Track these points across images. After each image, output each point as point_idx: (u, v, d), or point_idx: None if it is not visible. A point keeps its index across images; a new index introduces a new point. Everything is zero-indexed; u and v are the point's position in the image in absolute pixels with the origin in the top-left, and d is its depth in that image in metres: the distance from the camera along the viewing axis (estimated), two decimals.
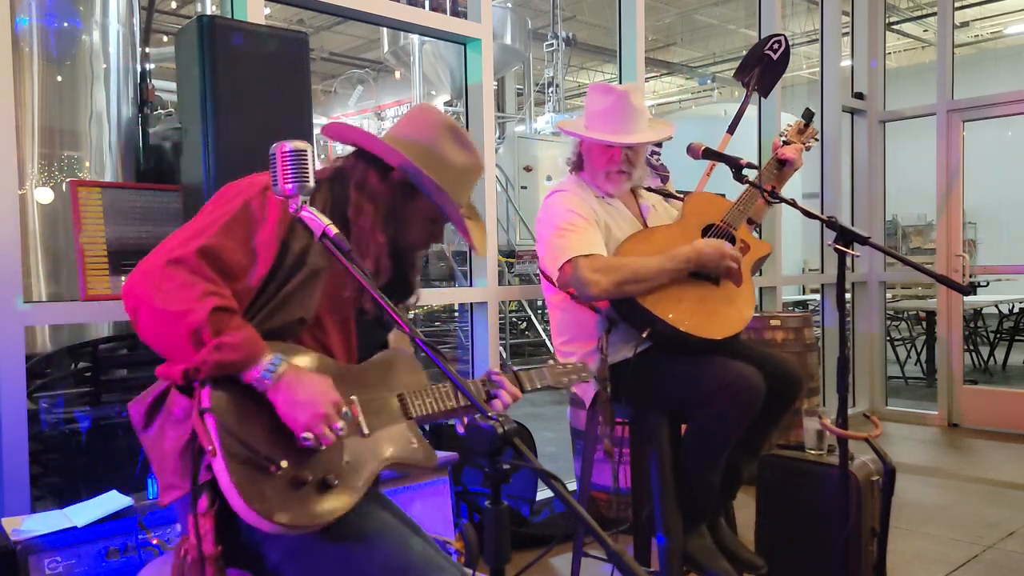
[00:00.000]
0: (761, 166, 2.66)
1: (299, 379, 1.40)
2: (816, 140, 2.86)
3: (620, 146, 2.46)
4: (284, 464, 1.37)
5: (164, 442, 1.45)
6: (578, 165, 2.57)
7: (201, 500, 1.37)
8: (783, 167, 2.65)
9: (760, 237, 2.72)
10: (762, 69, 3.35)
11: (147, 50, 3.39)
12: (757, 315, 4.46)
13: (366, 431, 1.49)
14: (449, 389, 1.68)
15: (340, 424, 1.39)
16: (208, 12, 6.53)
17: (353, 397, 1.50)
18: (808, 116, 2.82)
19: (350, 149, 1.72)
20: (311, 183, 1.37)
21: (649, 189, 2.72)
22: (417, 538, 1.53)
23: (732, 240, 2.47)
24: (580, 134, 2.49)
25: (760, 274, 4.61)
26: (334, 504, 1.40)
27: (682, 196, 2.72)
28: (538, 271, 2.66)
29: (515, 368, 1.88)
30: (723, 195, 2.78)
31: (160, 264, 1.38)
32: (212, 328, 1.34)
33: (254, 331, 1.41)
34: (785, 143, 2.71)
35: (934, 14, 6.58)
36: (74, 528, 2.00)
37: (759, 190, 2.47)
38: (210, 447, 1.32)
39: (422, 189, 1.64)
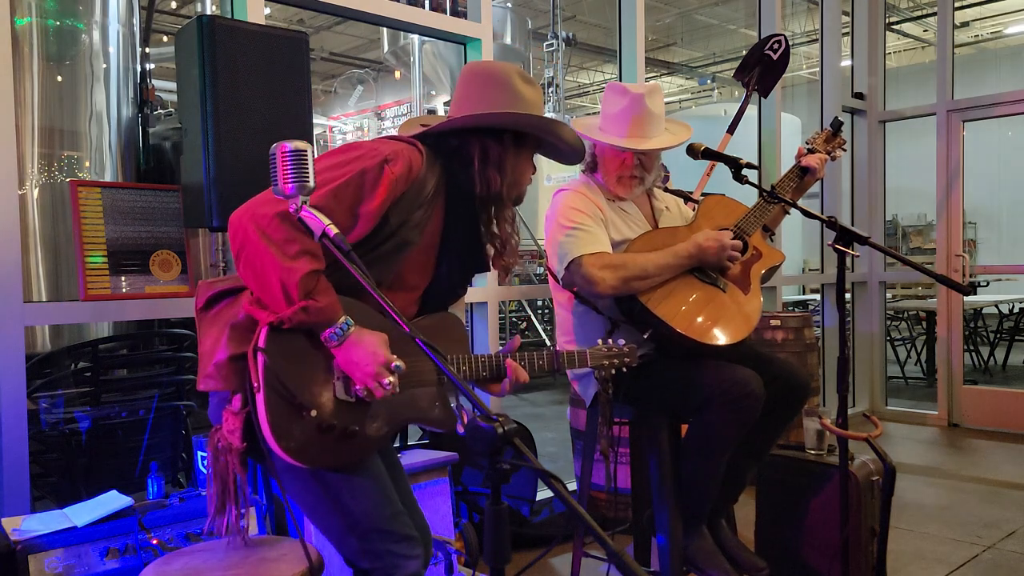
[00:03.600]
0: (761, 166, 2.65)
1: (359, 340, 1.55)
2: (844, 150, 2.78)
3: (632, 151, 2.43)
4: (313, 413, 1.55)
5: (219, 333, 1.58)
6: (592, 167, 2.54)
7: (235, 400, 1.55)
8: (805, 175, 2.59)
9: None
10: (762, 69, 3.35)
11: (147, 50, 3.39)
12: None
13: (397, 390, 1.59)
14: (486, 361, 1.82)
15: (388, 380, 1.53)
16: (208, 12, 6.53)
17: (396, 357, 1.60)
18: (836, 125, 2.76)
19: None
20: (311, 183, 1.43)
21: (666, 190, 2.70)
22: (396, 501, 1.67)
23: (745, 246, 2.44)
24: (592, 137, 2.45)
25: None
26: (347, 451, 1.60)
27: (690, 194, 2.70)
28: (538, 271, 2.66)
29: (555, 349, 2.00)
30: (722, 194, 2.77)
31: (271, 213, 1.50)
32: (302, 290, 1.50)
33: (335, 298, 1.55)
34: (810, 151, 2.64)
35: (934, 14, 6.58)
36: (74, 528, 2.00)
37: (759, 190, 2.46)
38: (256, 383, 1.50)
39: (538, 134, 1.85)
